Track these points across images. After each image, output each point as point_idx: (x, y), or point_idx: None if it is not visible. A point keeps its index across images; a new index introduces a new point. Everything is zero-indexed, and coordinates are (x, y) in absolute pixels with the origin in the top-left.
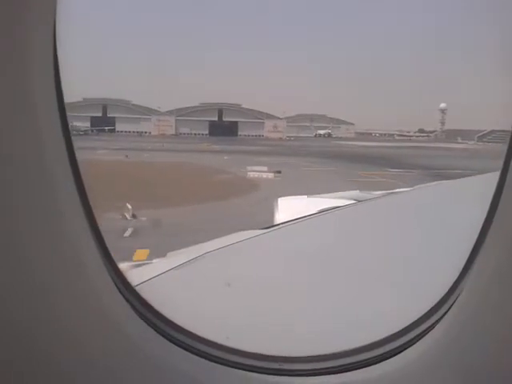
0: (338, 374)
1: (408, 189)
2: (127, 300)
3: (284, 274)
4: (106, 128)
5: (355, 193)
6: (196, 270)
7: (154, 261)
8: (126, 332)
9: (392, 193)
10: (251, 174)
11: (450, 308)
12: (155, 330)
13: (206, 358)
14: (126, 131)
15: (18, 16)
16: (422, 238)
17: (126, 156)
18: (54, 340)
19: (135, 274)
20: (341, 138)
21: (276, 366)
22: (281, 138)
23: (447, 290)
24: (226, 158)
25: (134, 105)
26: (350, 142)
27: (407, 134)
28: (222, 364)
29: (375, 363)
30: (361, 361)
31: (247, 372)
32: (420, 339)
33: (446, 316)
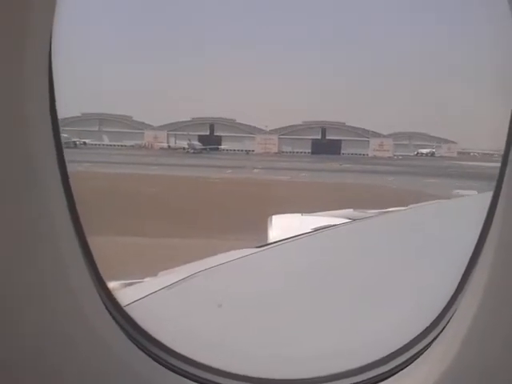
0: None
1: (403, 208)
2: (116, 320)
3: (277, 295)
4: (220, 147)
5: (349, 211)
6: (187, 289)
7: (145, 279)
8: (113, 352)
9: (387, 212)
10: None
11: (445, 327)
12: (144, 352)
13: (196, 381)
14: (231, 149)
15: (16, 23)
16: (416, 257)
17: (304, 175)
18: (41, 358)
19: (126, 293)
20: (449, 158)
21: None
22: (390, 157)
23: (442, 309)
24: (390, 179)
25: (238, 123)
26: (468, 163)
27: None
28: None
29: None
30: (357, 383)
31: None
32: (415, 360)
33: (441, 335)
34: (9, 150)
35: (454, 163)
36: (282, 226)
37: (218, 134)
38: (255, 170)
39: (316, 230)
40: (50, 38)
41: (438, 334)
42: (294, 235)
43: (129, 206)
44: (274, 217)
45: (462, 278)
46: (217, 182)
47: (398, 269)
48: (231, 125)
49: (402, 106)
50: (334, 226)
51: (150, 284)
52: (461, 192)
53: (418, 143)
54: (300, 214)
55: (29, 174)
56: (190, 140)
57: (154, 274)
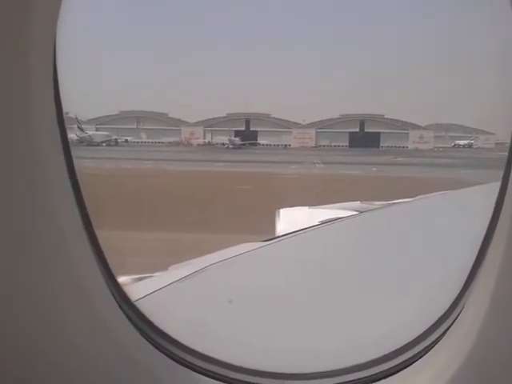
0: None
1: (409, 199)
2: (126, 315)
3: (286, 288)
4: (258, 142)
5: (357, 204)
6: (198, 283)
7: (155, 274)
8: (124, 347)
9: (393, 203)
10: None
11: (457, 317)
12: (155, 346)
13: (208, 375)
14: (268, 144)
15: (19, 28)
16: (423, 249)
17: (375, 170)
18: (51, 355)
19: (137, 288)
20: (489, 149)
21: (279, 383)
22: (431, 150)
23: (448, 306)
24: (463, 172)
25: (274, 118)
26: None
27: None
28: (224, 382)
29: (380, 379)
30: (364, 377)
31: None
32: (421, 357)
33: (453, 326)
34: (14, 148)
35: (500, 154)
36: (290, 219)
37: (253, 128)
38: (317, 165)
39: (323, 222)
40: (55, 35)
41: (451, 325)
42: (301, 228)
43: (257, 204)
44: (281, 210)
45: (471, 270)
46: (296, 178)
47: (406, 261)
48: (267, 119)
49: (436, 98)
50: (341, 218)
51: (160, 278)
52: None
53: (454, 134)
54: (307, 207)
55: (35, 171)
56: (230, 136)
57: (164, 268)
